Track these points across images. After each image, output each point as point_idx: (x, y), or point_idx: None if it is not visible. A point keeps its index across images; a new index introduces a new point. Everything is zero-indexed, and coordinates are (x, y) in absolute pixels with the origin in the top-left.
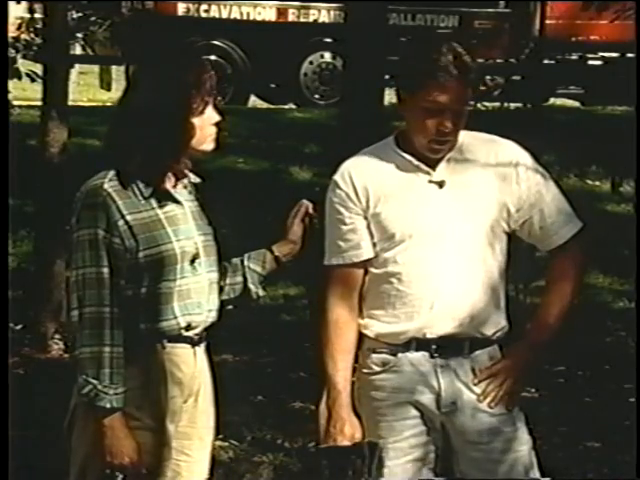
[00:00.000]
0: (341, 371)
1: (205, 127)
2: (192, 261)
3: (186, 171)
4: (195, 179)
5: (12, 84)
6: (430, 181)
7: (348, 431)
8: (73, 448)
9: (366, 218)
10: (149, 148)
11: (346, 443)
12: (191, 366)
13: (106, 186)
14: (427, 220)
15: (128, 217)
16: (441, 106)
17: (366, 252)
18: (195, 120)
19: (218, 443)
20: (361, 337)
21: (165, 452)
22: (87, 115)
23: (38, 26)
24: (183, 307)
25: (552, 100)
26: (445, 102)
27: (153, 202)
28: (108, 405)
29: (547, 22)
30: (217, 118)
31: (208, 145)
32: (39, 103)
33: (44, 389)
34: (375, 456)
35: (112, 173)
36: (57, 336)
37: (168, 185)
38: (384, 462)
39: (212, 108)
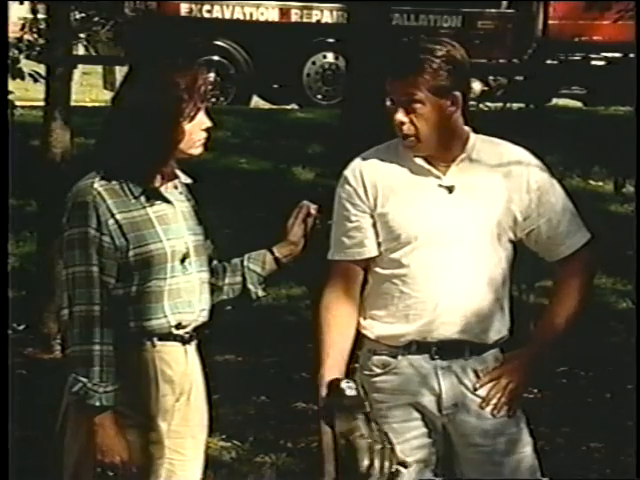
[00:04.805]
0: (332, 351)
1: (195, 132)
2: (182, 260)
3: (177, 171)
4: (186, 179)
5: (15, 84)
6: (440, 185)
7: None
8: (66, 448)
9: (372, 217)
10: (137, 148)
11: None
12: (182, 364)
13: (96, 185)
14: (434, 223)
15: (118, 216)
16: (393, 98)
17: (370, 250)
18: (186, 125)
19: (221, 443)
20: (362, 339)
21: (158, 451)
22: (90, 115)
23: (41, 26)
24: (173, 306)
25: (555, 100)
26: (393, 94)
27: (143, 201)
28: (98, 403)
29: (550, 22)
30: (208, 124)
31: (196, 150)
32: (42, 103)
33: (47, 389)
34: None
35: (103, 172)
36: (60, 336)
37: (158, 185)
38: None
39: (204, 113)
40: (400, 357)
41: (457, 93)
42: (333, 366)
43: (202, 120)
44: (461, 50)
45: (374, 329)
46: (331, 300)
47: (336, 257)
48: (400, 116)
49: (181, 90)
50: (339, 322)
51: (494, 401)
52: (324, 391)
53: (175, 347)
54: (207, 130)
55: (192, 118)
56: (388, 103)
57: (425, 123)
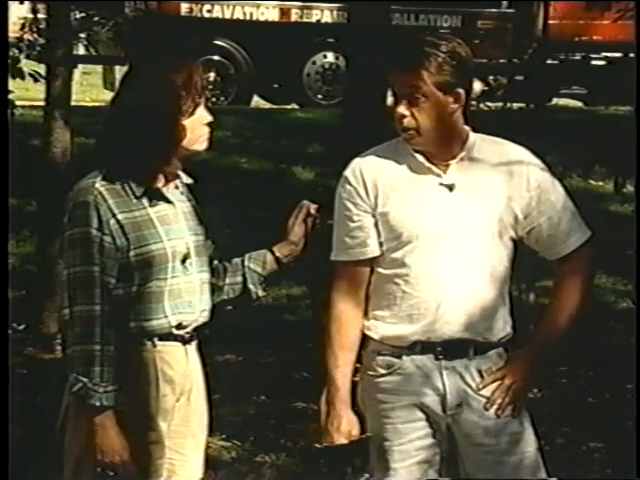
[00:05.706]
0: (341, 367)
1: (196, 128)
2: (183, 261)
3: (178, 171)
4: (187, 179)
5: (15, 84)
6: (440, 184)
7: (345, 428)
8: (66, 448)
9: (374, 216)
10: (139, 148)
11: (343, 441)
12: (182, 364)
13: (97, 185)
14: (435, 222)
15: (119, 216)
16: (397, 90)
17: (372, 250)
18: (185, 121)
19: (221, 443)
20: (365, 339)
21: (159, 451)
22: (90, 115)
23: (41, 26)
24: (174, 306)
25: (555, 100)
26: (396, 87)
27: (144, 201)
28: (98, 403)
29: (550, 22)
30: (209, 118)
31: (200, 145)
32: (42, 103)
33: (47, 389)
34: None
35: (104, 172)
36: (60, 336)
37: (160, 185)
38: (389, 463)
39: (203, 108)
40: (404, 357)
41: (460, 90)
42: (343, 383)
43: (202, 115)
44: (466, 48)
45: (378, 330)
46: (341, 309)
47: (339, 258)
48: (402, 109)
49: (178, 87)
50: (348, 332)
51: (499, 401)
52: (335, 422)
53: (175, 347)
54: (210, 125)
55: (191, 114)
56: (390, 96)
57: (427, 117)
